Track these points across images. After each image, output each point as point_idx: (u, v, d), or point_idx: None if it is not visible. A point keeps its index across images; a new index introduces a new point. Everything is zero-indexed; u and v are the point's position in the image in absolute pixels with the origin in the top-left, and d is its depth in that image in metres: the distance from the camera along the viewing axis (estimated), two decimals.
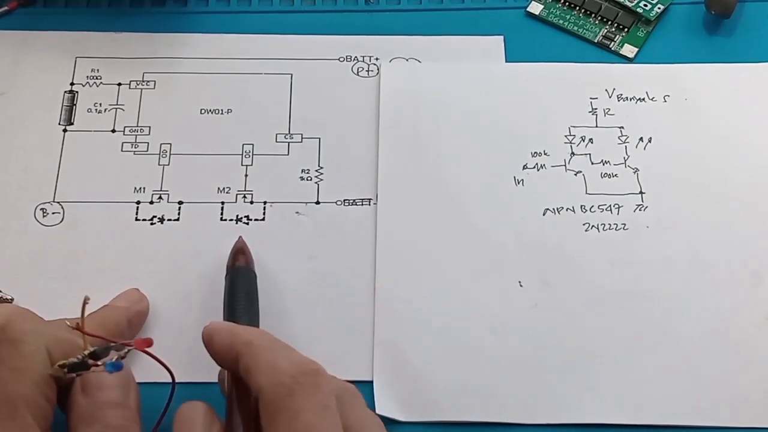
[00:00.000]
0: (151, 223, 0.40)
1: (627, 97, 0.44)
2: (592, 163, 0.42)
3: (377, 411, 0.35)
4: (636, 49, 0.45)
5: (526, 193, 0.41)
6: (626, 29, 0.46)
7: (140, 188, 0.41)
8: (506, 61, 0.45)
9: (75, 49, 0.45)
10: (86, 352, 0.29)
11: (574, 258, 0.39)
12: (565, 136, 0.43)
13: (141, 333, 0.37)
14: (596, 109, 0.43)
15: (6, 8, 0.46)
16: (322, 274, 0.39)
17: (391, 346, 0.37)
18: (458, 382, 0.37)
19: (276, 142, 0.42)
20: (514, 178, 0.41)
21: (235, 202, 0.41)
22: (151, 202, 0.41)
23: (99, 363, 0.29)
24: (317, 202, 0.41)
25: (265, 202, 0.41)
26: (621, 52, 0.45)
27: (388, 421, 0.35)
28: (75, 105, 0.43)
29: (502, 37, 0.46)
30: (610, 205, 0.41)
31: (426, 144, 0.42)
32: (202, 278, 0.39)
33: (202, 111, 0.43)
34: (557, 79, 0.44)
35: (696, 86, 0.44)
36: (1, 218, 0.40)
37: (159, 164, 0.42)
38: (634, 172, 0.42)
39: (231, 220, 0.40)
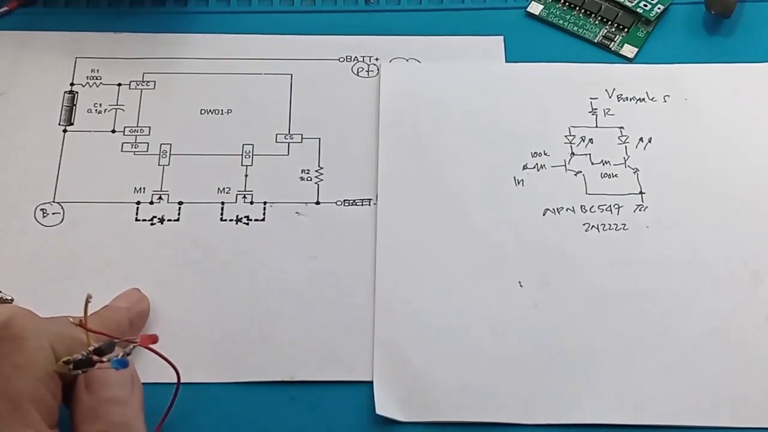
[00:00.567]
0: (151, 224, 0.40)
1: (627, 97, 0.44)
2: (592, 163, 0.42)
3: (377, 411, 0.35)
4: (636, 49, 0.45)
5: (526, 193, 0.41)
6: (626, 29, 0.46)
7: (140, 188, 0.41)
8: (506, 61, 0.45)
9: (75, 49, 0.45)
10: (90, 349, 0.29)
11: (574, 258, 0.39)
12: (565, 136, 0.43)
13: (142, 333, 0.37)
14: (596, 109, 0.43)
15: (6, 8, 0.46)
16: (322, 274, 0.39)
17: (391, 346, 0.37)
18: (458, 382, 0.37)
19: (276, 142, 0.42)
20: (514, 178, 0.42)
21: (235, 202, 0.41)
22: (151, 203, 0.41)
23: (104, 360, 0.29)
24: (317, 202, 0.41)
25: (265, 203, 0.41)
26: (621, 52, 0.45)
27: (388, 421, 0.36)
28: (75, 105, 0.43)
29: (502, 37, 0.46)
30: (610, 205, 0.41)
31: (426, 144, 0.42)
32: (202, 278, 0.39)
33: (202, 111, 0.43)
34: (557, 79, 0.44)
35: (696, 86, 0.44)
36: (1, 218, 0.40)
37: (159, 164, 0.42)
38: (634, 172, 0.42)
39: (231, 220, 0.40)
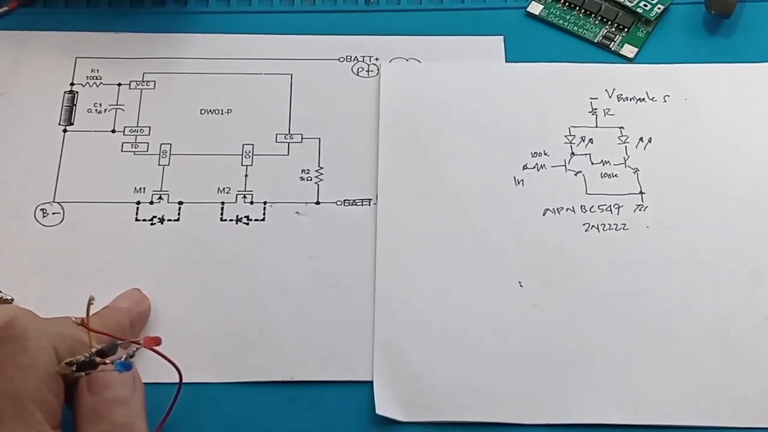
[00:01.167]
0: (151, 224, 0.40)
1: (627, 97, 0.44)
2: (592, 163, 0.42)
3: (377, 411, 0.35)
4: (636, 49, 0.45)
5: (526, 193, 0.41)
6: (626, 29, 0.46)
7: (140, 188, 0.41)
8: (506, 61, 0.45)
9: (75, 49, 0.45)
10: (93, 350, 0.29)
11: (574, 258, 0.39)
12: (565, 136, 0.43)
13: (142, 334, 0.37)
14: (596, 109, 0.43)
15: (6, 8, 0.46)
16: (322, 274, 0.39)
17: (391, 346, 0.37)
18: (458, 382, 0.37)
19: (276, 142, 0.42)
20: (514, 178, 0.42)
21: (235, 202, 0.41)
22: (151, 203, 0.41)
23: (107, 361, 0.29)
24: (317, 202, 0.41)
25: (265, 203, 0.41)
26: (621, 52, 0.45)
27: (388, 421, 0.36)
28: (75, 105, 0.43)
29: (502, 37, 0.46)
30: (610, 205, 0.41)
31: (426, 144, 0.42)
32: (202, 278, 0.39)
33: (202, 111, 0.43)
34: (557, 79, 0.44)
35: (696, 86, 0.44)
36: (1, 218, 0.40)
37: (159, 164, 0.42)
38: (634, 172, 0.42)
39: (231, 220, 0.40)
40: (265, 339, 0.37)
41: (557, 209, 0.41)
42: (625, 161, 0.42)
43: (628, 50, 0.45)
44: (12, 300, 0.38)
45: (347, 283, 0.39)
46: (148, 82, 0.44)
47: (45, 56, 0.44)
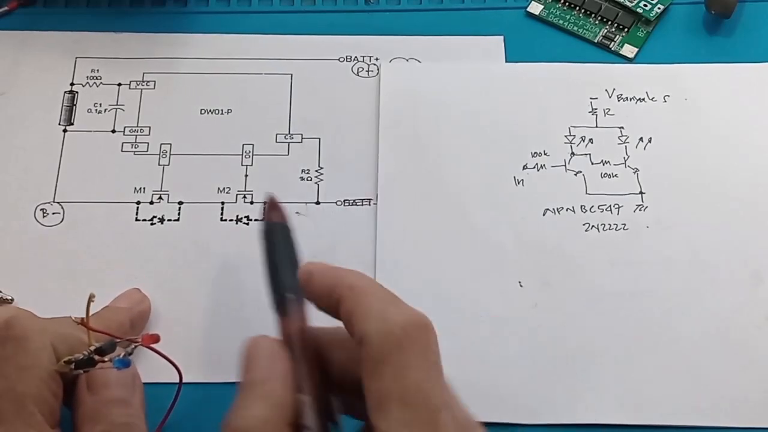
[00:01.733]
0: (151, 224, 0.40)
1: (627, 97, 0.44)
2: (592, 163, 0.42)
3: None
4: (636, 49, 0.45)
5: (526, 193, 0.41)
6: (626, 29, 0.46)
7: (140, 188, 0.41)
8: (506, 61, 0.45)
9: (75, 49, 0.45)
10: (92, 348, 0.29)
11: (574, 258, 0.39)
12: (565, 136, 0.43)
13: (143, 334, 0.37)
14: (596, 109, 0.43)
15: (6, 8, 0.46)
16: None
17: None
18: (459, 382, 0.37)
19: (276, 142, 0.42)
20: (514, 178, 0.42)
21: (235, 202, 0.41)
22: (151, 203, 0.41)
23: (105, 359, 0.29)
24: (317, 202, 0.41)
25: (265, 203, 0.41)
26: (621, 52, 0.45)
27: None
28: (75, 105, 0.43)
29: (502, 37, 0.46)
30: (610, 205, 0.41)
31: (426, 144, 0.42)
32: (202, 278, 0.39)
33: (202, 111, 0.43)
34: (557, 79, 0.44)
35: (696, 86, 0.44)
36: (1, 218, 0.40)
37: (159, 164, 0.42)
38: (634, 172, 0.42)
39: (231, 220, 0.40)
40: None
41: (557, 209, 0.41)
42: (625, 161, 0.42)
43: (628, 50, 0.45)
44: (12, 300, 0.38)
45: None
46: (148, 82, 0.44)
47: (45, 56, 0.44)
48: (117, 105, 0.43)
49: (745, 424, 0.36)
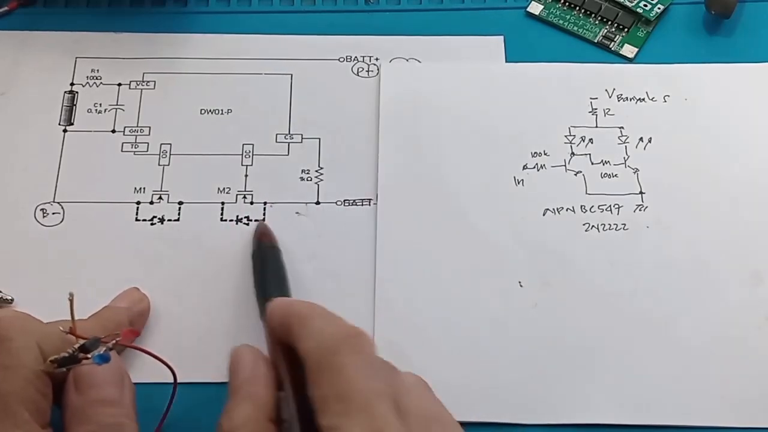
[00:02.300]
0: (151, 224, 0.40)
1: (627, 97, 0.44)
2: (592, 163, 0.42)
3: None
4: (636, 49, 0.45)
5: (526, 193, 0.41)
6: (626, 29, 0.46)
7: (140, 188, 0.41)
8: (506, 61, 0.45)
9: (75, 49, 0.45)
10: (76, 346, 0.29)
11: (574, 258, 0.39)
12: (565, 136, 0.43)
13: (142, 334, 0.37)
14: (596, 109, 0.43)
15: (6, 8, 0.46)
16: (322, 274, 0.39)
17: (391, 346, 0.37)
18: (458, 382, 0.37)
19: (276, 142, 0.42)
20: (514, 178, 0.42)
21: (235, 202, 0.41)
22: (151, 203, 0.41)
23: (89, 356, 0.29)
24: (317, 202, 0.41)
25: (265, 203, 0.41)
26: (621, 52, 0.45)
27: None
28: (75, 105, 0.43)
29: (502, 37, 0.46)
30: (610, 205, 0.41)
31: (426, 144, 0.42)
32: (202, 278, 0.39)
33: (202, 111, 0.43)
34: (557, 79, 0.44)
35: (696, 86, 0.44)
36: (1, 218, 0.40)
37: (159, 164, 0.42)
38: (634, 172, 0.42)
39: (231, 220, 0.40)
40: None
41: (557, 209, 0.41)
42: (625, 161, 0.42)
43: (628, 50, 0.45)
44: (12, 300, 0.38)
45: (347, 283, 0.39)
46: (148, 82, 0.44)
47: (45, 56, 0.44)
48: (117, 105, 0.43)
49: (745, 424, 0.36)
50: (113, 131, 0.43)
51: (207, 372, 0.36)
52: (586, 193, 0.41)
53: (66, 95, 0.43)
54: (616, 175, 0.42)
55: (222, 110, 0.43)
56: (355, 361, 0.27)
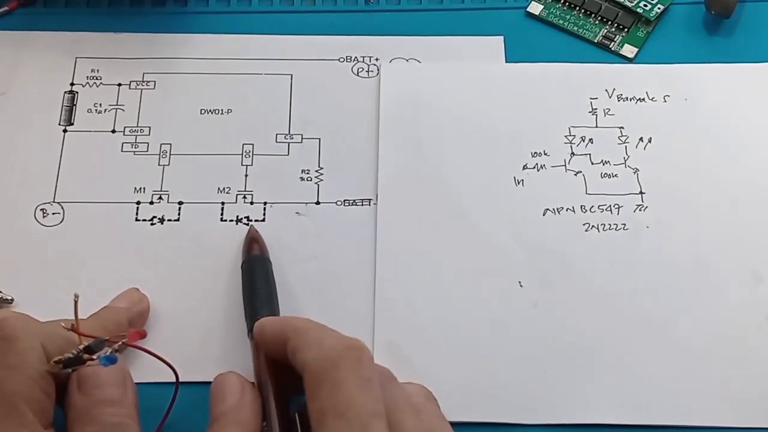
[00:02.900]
0: (151, 224, 0.40)
1: (627, 97, 0.44)
2: (592, 163, 0.42)
3: None
4: (636, 49, 0.45)
5: (526, 193, 0.41)
6: (626, 29, 0.46)
7: (140, 188, 0.41)
8: (506, 61, 0.45)
9: (75, 49, 0.45)
10: (81, 347, 0.29)
11: (574, 258, 0.39)
12: (565, 136, 0.43)
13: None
14: (596, 109, 0.43)
15: (6, 8, 0.46)
16: (322, 274, 0.39)
17: (391, 346, 0.37)
18: (458, 382, 0.37)
19: (276, 142, 0.42)
20: (514, 178, 0.42)
21: (235, 202, 0.41)
22: (151, 203, 0.41)
23: (94, 357, 0.29)
24: (317, 203, 0.41)
25: (265, 203, 0.41)
26: (621, 52, 0.45)
27: None
28: (75, 105, 0.43)
29: (502, 37, 0.46)
30: (610, 205, 0.41)
31: (426, 144, 0.42)
32: (202, 278, 0.39)
33: (202, 111, 0.43)
34: (557, 79, 0.44)
35: (696, 86, 0.44)
36: (1, 218, 0.40)
37: (159, 164, 0.42)
38: (634, 172, 0.42)
39: (231, 220, 0.40)
40: None
41: (557, 209, 0.41)
42: (625, 161, 0.42)
43: (628, 50, 0.45)
44: (12, 300, 0.38)
45: (347, 283, 0.39)
46: (148, 82, 0.44)
47: (45, 56, 0.44)
48: (117, 105, 0.43)
49: (745, 424, 0.36)
50: (113, 131, 0.43)
51: (207, 372, 0.36)
52: (586, 193, 0.41)
53: (66, 95, 0.43)
54: (616, 175, 0.42)
55: (222, 110, 0.43)
56: (355, 377, 0.27)
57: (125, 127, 0.43)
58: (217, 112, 0.43)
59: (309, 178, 0.41)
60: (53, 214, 0.40)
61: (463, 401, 0.36)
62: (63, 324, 0.30)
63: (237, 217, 0.40)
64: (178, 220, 0.40)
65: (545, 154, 0.42)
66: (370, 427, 0.26)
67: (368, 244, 0.40)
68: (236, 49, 0.45)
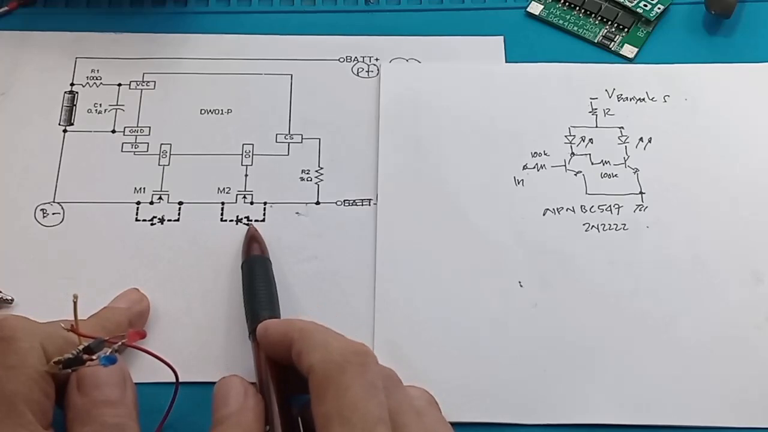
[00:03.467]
0: (151, 224, 0.40)
1: (627, 97, 0.44)
2: (592, 163, 0.42)
3: None
4: (636, 49, 0.45)
5: (526, 193, 0.41)
6: (626, 29, 0.46)
7: (140, 188, 0.41)
8: (506, 61, 0.45)
9: (75, 49, 0.45)
10: (80, 347, 0.29)
11: (574, 258, 0.39)
12: (565, 136, 0.43)
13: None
14: (596, 109, 0.43)
15: (6, 8, 0.46)
16: (322, 274, 0.39)
17: (391, 346, 0.37)
18: (458, 382, 0.37)
19: (276, 142, 0.42)
20: (514, 178, 0.42)
21: (235, 202, 0.41)
22: (151, 203, 0.41)
23: (93, 357, 0.29)
24: (317, 203, 0.41)
25: (265, 203, 0.41)
26: (621, 52, 0.45)
27: None
28: (75, 105, 0.43)
29: (502, 37, 0.46)
30: (610, 205, 0.41)
31: (426, 144, 0.42)
32: (202, 278, 0.39)
33: (202, 111, 0.43)
34: (557, 79, 0.44)
35: (696, 86, 0.44)
36: (1, 218, 0.40)
37: (159, 164, 0.42)
38: (634, 172, 0.42)
39: (231, 220, 0.40)
40: None
41: (557, 209, 0.41)
42: (625, 161, 0.42)
43: (628, 50, 0.45)
44: (12, 300, 0.38)
45: (347, 283, 0.39)
46: (148, 82, 0.44)
47: (45, 56, 0.44)
48: (117, 105, 0.43)
49: (745, 424, 0.36)
50: (113, 131, 0.43)
51: (207, 372, 0.36)
52: (586, 193, 0.41)
53: (66, 95, 0.43)
54: (616, 175, 0.42)
55: (222, 110, 0.43)
56: (361, 382, 0.27)
57: (125, 127, 0.43)
58: (217, 112, 0.43)
59: (309, 178, 0.41)
60: (53, 214, 0.40)
61: (463, 401, 0.36)
62: (62, 325, 0.30)
63: (237, 217, 0.40)
64: (178, 220, 0.40)
65: (545, 154, 0.42)
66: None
67: (368, 244, 0.40)
68: (236, 49, 0.45)
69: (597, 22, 0.46)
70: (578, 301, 0.38)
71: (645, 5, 0.46)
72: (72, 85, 0.44)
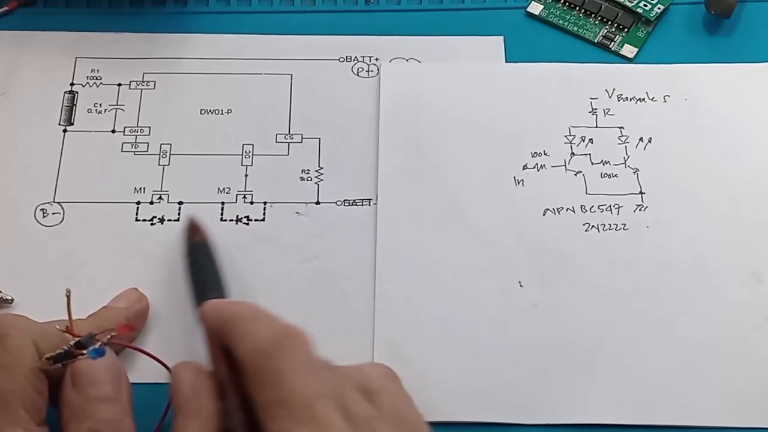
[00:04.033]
0: (151, 224, 0.40)
1: (627, 97, 0.44)
2: (592, 163, 0.42)
3: None
4: (636, 49, 0.45)
5: (526, 193, 0.41)
6: (626, 29, 0.46)
7: (140, 188, 0.41)
8: (506, 61, 0.45)
9: (75, 49, 0.45)
10: (72, 343, 0.29)
11: (574, 258, 0.39)
12: (565, 136, 0.43)
13: (141, 334, 0.37)
14: (596, 109, 0.43)
15: (6, 8, 0.46)
16: (322, 274, 0.39)
17: (391, 346, 0.37)
18: (458, 382, 0.37)
19: (276, 142, 0.42)
20: (514, 178, 0.42)
21: (235, 202, 0.41)
22: (151, 203, 0.41)
23: (84, 352, 0.29)
24: (317, 203, 0.41)
25: (265, 203, 0.41)
26: (621, 52, 0.45)
27: None
28: (75, 105, 0.43)
29: (502, 37, 0.46)
30: (610, 205, 0.41)
31: (426, 144, 0.42)
32: None
33: (202, 111, 0.43)
34: (557, 79, 0.44)
35: (696, 86, 0.44)
36: (1, 218, 0.40)
37: (159, 164, 0.42)
38: (634, 172, 0.42)
39: (231, 220, 0.40)
40: None
41: (557, 209, 0.41)
42: (625, 161, 0.42)
43: (628, 50, 0.45)
44: (12, 300, 0.38)
45: (347, 283, 0.39)
46: (148, 82, 0.44)
47: (45, 56, 0.44)
48: (117, 105, 0.43)
49: (745, 424, 0.36)
50: (113, 131, 0.43)
51: None
52: (586, 193, 0.41)
53: (66, 95, 0.43)
54: (616, 175, 0.42)
55: (222, 110, 0.43)
56: (292, 364, 0.27)
57: (125, 127, 0.43)
58: (217, 112, 0.43)
59: (309, 178, 0.41)
60: (53, 214, 0.40)
61: (463, 401, 0.36)
62: (58, 327, 0.30)
63: (237, 217, 0.40)
64: (178, 220, 0.40)
65: (545, 154, 0.42)
66: (315, 407, 0.26)
67: (368, 244, 0.40)
68: (236, 49, 0.45)
69: (597, 22, 0.46)
70: (578, 301, 0.38)
71: (645, 5, 0.46)
72: (72, 85, 0.44)
